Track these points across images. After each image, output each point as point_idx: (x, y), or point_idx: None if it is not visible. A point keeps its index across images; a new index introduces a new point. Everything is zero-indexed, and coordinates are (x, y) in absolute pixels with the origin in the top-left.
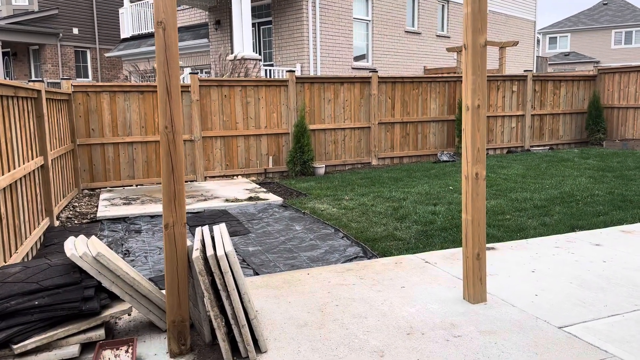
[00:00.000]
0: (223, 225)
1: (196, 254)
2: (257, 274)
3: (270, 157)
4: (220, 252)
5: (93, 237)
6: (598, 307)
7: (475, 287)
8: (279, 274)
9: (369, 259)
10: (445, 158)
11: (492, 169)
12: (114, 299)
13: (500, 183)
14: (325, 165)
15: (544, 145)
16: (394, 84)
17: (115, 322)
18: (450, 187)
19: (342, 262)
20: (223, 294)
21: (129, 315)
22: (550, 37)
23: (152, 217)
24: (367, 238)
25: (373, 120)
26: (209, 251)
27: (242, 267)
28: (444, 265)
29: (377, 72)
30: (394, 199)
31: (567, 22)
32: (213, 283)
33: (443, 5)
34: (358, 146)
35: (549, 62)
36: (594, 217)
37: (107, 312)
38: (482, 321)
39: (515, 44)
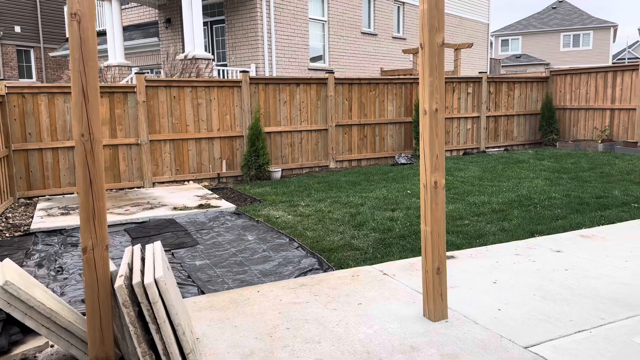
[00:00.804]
0: (158, 244)
1: (119, 281)
2: (202, 292)
3: (224, 161)
4: (148, 280)
5: (7, 260)
6: (564, 322)
7: (435, 304)
8: (226, 292)
9: (324, 271)
10: (403, 160)
11: (449, 172)
12: (29, 332)
13: (457, 186)
14: (282, 169)
15: (499, 147)
16: (350, 86)
17: (35, 357)
18: (408, 192)
19: (295, 276)
20: (152, 327)
21: (52, 347)
22: (502, 40)
23: None
24: (323, 248)
25: (330, 122)
26: (136, 278)
27: (186, 284)
28: (403, 277)
29: (333, 73)
30: (351, 204)
31: (519, 25)
32: (141, 314)
33: (399, 7)
34: (315, 149)
35: (501, 64)
36: (553, 221)
37: (19, 350)
38: (444, 342)
39: (470, 45)
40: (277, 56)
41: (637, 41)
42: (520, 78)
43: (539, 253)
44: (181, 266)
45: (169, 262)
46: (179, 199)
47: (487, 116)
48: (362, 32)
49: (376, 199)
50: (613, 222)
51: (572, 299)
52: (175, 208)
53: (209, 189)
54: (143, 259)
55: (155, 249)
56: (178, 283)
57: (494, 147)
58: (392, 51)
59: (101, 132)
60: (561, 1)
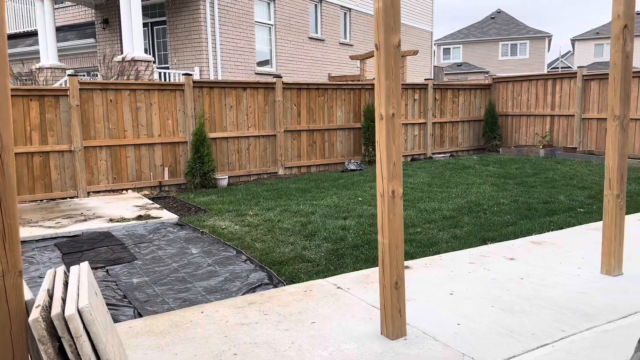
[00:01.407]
0: (84, 265)
1: (35, 313)
2: (139, 314)
3: (166, 169)
4: (70, 311)
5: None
6: (525, 336)
7: (394, 321)
8: (167, 314)
9: (275, 286)
10: (352, 167)
11: None
12: None
13: (408, 193)
14: (229, 176)
15: (445, 153)
16: (299, 91)
17: None
18: (360, 199)
19: (243, 293)
20: None
21: None
22: (444, 48)
23: None
24: (273, 261)
25: (279, 128)
26: (55, 308)
27: (121, 306)
28: (358, 290)
29: (281, 77)
30: (302, 213)
31: (460, 34)
32: (62, 350)
33: (345, 13)
34: (263, 155)
35: (444, 72)
36: (503, 228)
37: None
38: None
39: (416, 52)
40: (222, 59)
41: (569, 51)
42: (465, 85)
43: (493, 261)
44: (116, 285)
45: (103, 280)
46: (116, 209)
47: (433, 122)
48: (309, 37)
49: (327, 207)
50: (562, 228)
51: (531, 310)
52: (111, 220)
53: (149, 199)
54: (66, 283)
55: (81, 270)
56: (112, 304)
57: (440, 153)
58: (340, 57)
59: (12, 140)
60: (499, 12)
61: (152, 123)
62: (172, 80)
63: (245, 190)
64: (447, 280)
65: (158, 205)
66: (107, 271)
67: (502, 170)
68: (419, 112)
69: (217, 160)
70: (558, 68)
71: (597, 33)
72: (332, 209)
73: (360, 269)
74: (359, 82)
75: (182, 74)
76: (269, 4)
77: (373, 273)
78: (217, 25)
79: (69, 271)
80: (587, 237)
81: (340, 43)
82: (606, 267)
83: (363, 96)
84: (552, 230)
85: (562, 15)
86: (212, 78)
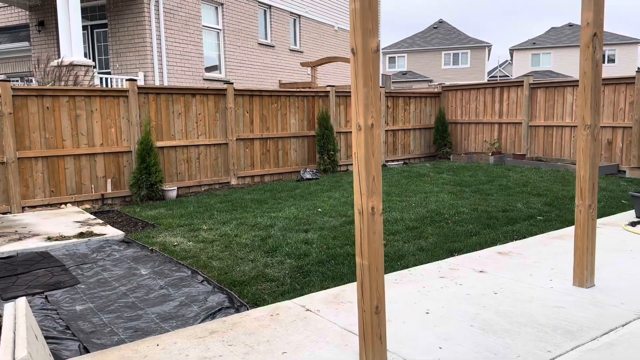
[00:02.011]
0: (21, 302)
1: None
2: (85, 349)
3: (109, 180)
4: None
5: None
6: (512, 359)
7: (374, 348)
8: (117, 348)
9: (237, 310)
10: (308, 175)
11: None
12: None
13: None
14: (178, 187)
15: (399, 160)
16: (251, 97)
17: None
18: (319, 210)
19: (202, 319)
20: None
21: None
22: (389, 57)
23: None
24: (234, 281)
25: (231, 136)
26: None
27: (64, 339)
28: (329, 313)
29: (232, 84)
30: (260, 226)
31: (404, 43)
32: None
33: (295, 20)
34: (215, 164)
35: (391, 80)
36: (468, 238)
37: None
38: None
39: None
40: (168, 64)
41: (506, 60)
42: (415, 93)
43: (463, 275)
44: (57, 314)
45: (42, 309)
46: (55, 226)
47: (386, 130)
48: (259, 43)
49: (286, 219)
50: (525, 237)
51: (512, 329)
52: (49, 238)
53: (91, 213)
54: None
55: (17, 309)
56: (53, 337)
57: (393, 161)
58: (290, 64)
59: None
60: (441, 22)
61: (93, 132)
62: (114, 86)
63: (196, 202)
64: (421, 298)
65: (101, 221)
66: (46, 297)
67: (456, 178)
68: None
69: (165, 170)
70: (497, 77)
71: (534, 43)
72: (292, 221)
73: (329, 287)
74: (313, 90)
75: (126, 80)
76: (216, 8)
77: (342, 292)
78: (162, 29)
79: (1, 308)
80: (551, 246)
81: (290, 50)
82: (579, 279)
83: (317, 103)
84: (516, 240)
85: (500, 25)
86: (157, 84)
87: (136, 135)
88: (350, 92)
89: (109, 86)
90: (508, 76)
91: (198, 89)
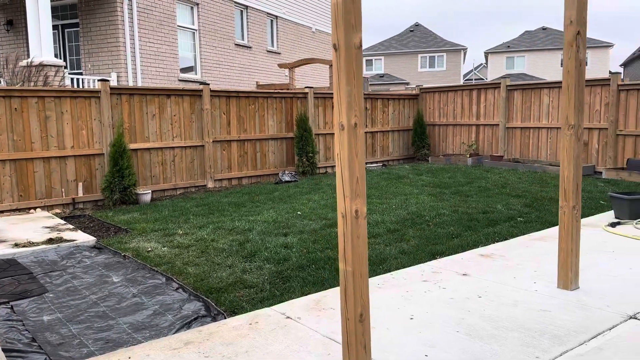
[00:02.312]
0: None
1: None
2: None
3: (81, 184)
4: None
5: None
6: None
7: (359, 358)
8: None
9: (214, 319)
10: (287, 178)
11: (335, 189)
12: None
13: None
14: (152, 191)
15: (377, 162)
16: (228, 99)
17: None
18: (299, 213)
19: (177, 329)
20: None
21: None
22: (367, 60)
23: None
24: (210, 288)
25: (207, 138)
26: None
27: (29, 352)
28: (310, 320)
29: (208, 84)
30: (238, 230)
31: (381, 46)
32: None
33: (272, 21)
34: (191, 167)
35: (369, 83)
36: (449, 240)
37: None
38: None
39: None
40: (142, 65)
41: (481, 64)
42: (394, 95)
43: (446, 278)
44: (23, 325)
45: (7, 320)
46: (23, 231)
47: (365, 132)
48: (235, 44)
49: (265, 223)
50: (506, 239)
51: (498, 334)
52: (17, 244)
53: (61, 218)
54: None
55: None
56: (17, 351)
57: (372, 163)
58: (268, 65)
59: None
60: (417, 25)
61: (63, 134)
62: (86, 87)
63: (171, 206)
64: (404, 302)
65: (72, 226)
66: (11, 308)
67: (436, 180)
68: None
69: (138, 173)
70: (472, 79)
71: (509, 47)
72: (271, 225)
73: (309, 293)
74: (291, 91)
75: (98, 80)
76: (192, 8)
77: (324, 298)
78: (136, 29)
79: None
80: (533, 248)
81: (267, 51)
82: (563, 281)
83: (295, 105)
84: (497, 242)
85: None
86: (131, 84)
87: (108, 137)
88: (329, 93)
89: (81, 87)
90: (483, 79)
91: (173, 89)
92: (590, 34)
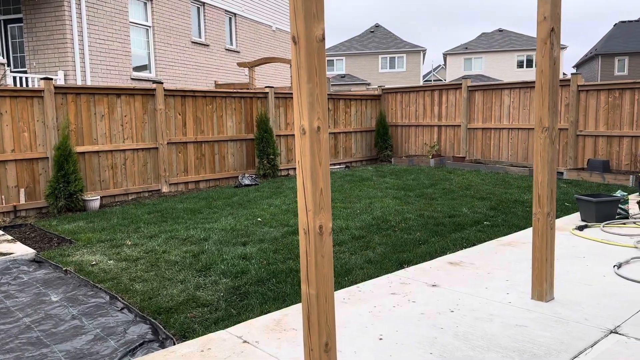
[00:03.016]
0: None
1: None
2: None
3: (22, 190)
4: None
5: None
6: None
7: None
8: None
9: (161, 344)
10: (247, 182)
11: (295, 192)
12: None
13: None
14: (101, 197)
15: (340, 164)
16: (184, 98)
17: None
18: (259, 219)
19: (120, 358)
20: None
21: None
22: (328, 60)
23: None
24: (159, 308)
25: (161, 140)
26: None
27: None
28: (270, 344)
29: (162, 83)
30: (193, 239)
31: (342, 46)
32: None
33: (230, 18)
34: (144, 171)
35: (331, 83)
36: (417, 247)
37: None
38: None
39: None
40: (92, 63)
41: (439, 65)
42: (356, 95)
43: (415, 290)
44: None
45: None
46: None
47: (328, 133)
48: (192, 42)
49: (222, 231)
50: (474, 244)
51: (475, 356)
52: None
53: (0, 228)
54: None
55: None
56: None
57: (335, 164)
58: (227, 64)
59: None
60: (378, 26)
61: (3, 136)
62: (31, 86)
63: (121, 213)
64: (373, 320)
65: (10, 237)
66: None
67: (399, 182)
68: None
69: (86, 178)
70: (431, 80)
71: (466, 48)
72: (229, 233)
73: (269, 310)
74: (251, 91)
75: (40, 79)
76: (145, 3)
77: (285, 317)
78: (85, 25)
79: None
80: (502, 254)
81: (226, 49)
82: (538, 292)
83: (255, 105)
84: (465, 248)
85: (435, 31)
86: (79, 83)
87: (53, 140)
88: (290, 93)
89: (25, 86)
90: (441, 80)
91: (123, 88)
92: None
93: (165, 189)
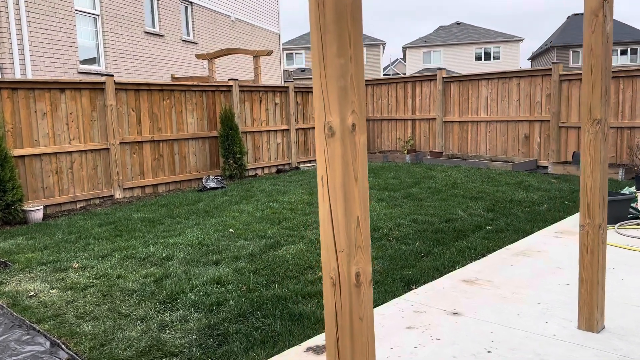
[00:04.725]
0: None
1: None
2: None
3: None
4: None
5: None
6: None
7: None
8: None
9: None
10: (212, 184)
11: (270, 195)
12: None
13: (288, 216)
14: (45, 206)
15: (311, 162)
16: (138, 93)
17: None
18: (231, 230)
19: None
20: None
21: None
22: (287, 54)
23: None
24: (114, 358)
25: (113, 140)
26: None
27: None
28: None
29: (112, 76)
30: (153, 259)
31: (301, 39)
32: None
33: (186, 7)
34: (93, 175)
35: (293, 77)
36: (419, 261)
37: None
38: None
39: (270, 53)
40: (33, 55)
41: (397, 59)
42: None
43: (435, 321)
44: None
45: None
46: None
47: (296, 129)
48: (145, 32)
49: (189, 247)
50: (484, 255)
51: None
52: None
53: None
54: None
55: None
56: None
57: (305, 162)
58: (184, 56)
59: None
60: None
61: None
62: None
63: (68, 226)
64: None
65: None
66: None
67: (380, 181)
68: (281, 117)
69: (27, 185)
70: (390, 74)
71: (425, 41)
72: (196, 249)
73: (258, 359)
74: (213, 84)
75: None
76: None
77: None
78: (23, 12)
79: None
80: (520, 267)
81: (183, 40)
82: (587, 321)
83: (218, 99)
84: (475, 259)
85: (394, 25)
86: (19, 77)
87: None
88: (255, 87)
89: None
90: (399, 74)
91: (68, 82)
92: (500, 28)
93: (118, 194)
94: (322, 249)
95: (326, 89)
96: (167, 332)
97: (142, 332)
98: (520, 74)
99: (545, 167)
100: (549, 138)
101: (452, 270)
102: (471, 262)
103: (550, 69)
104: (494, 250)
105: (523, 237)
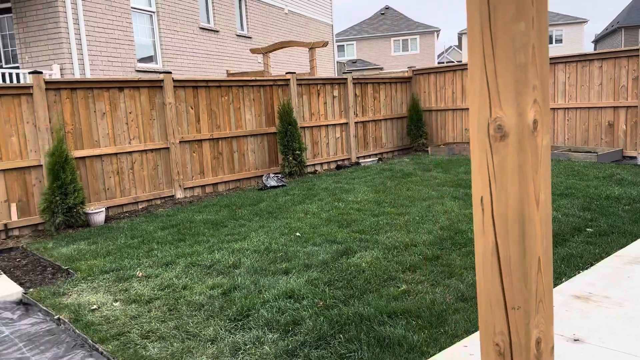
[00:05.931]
0: None
1: None
2: None
3: (14, 205)
4: None
5: None
6: None
7: None
8: None
9: None
10: (273, 183)
11: (334, 194)
12: None
13: (356, 218)
14: (107, 208)
15: (371, 156)
16: (196, 90)
17: None
18: (297, 234)
19: None
20: None
21: None
22: (338, 45)
23: None
24: None
25: (172, 138)
26: None
27: None
28: None
29: (170, 73)
30: (219, 267)
31: (352, 30)
32: None
33: (240, 1)
34: (154, 175)
35: (346, 68)
36: None
37: None
38: None
39: (326, 44)
40: (91, 54)
41: (451, 46)
42: (385, 79)
43: (556, 351)
44: None
45: None
46: None
47: (355, 122)
48: (200, 28)
49: (255, 253)
50: (591, 264)
51: None
52: None
53: None
54: None
55: None
56: None
57: (366, 157)
58: (238, 51)
59: None
60: (388, 8)
61: None
62: (22, 82)
63: (130, 229)
64: None
65: None
66: None
67: (450, 177)
68: (339, 110)
69: (88, 187)
70: (443, 62)
71: None
72: (263, 255)
73: None
74: (269, 78)
75: (29, 73)
76: None
77: None
78: (80, 12)
79: None
80: (638, 278)
81: (237, 35)
82: None
83: (275, 94)
84: (582, 270)
85: (449, 9)
86: (78, 77)
87: (46, 145)
88: (313, 80)
89: (17, 83)
90: (453, 61)
91: (126, 80)
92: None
93: (179, 194)
94: (481, 303)
95: (493, 69)
96: (241, 356)
97: (213, 358)
98: (602, 56)
99: (634, 158)
100: (637, 125)
101: (559, 284)
102: (579, 272)
103: (638, 49)
104: (602, 258)
105: (632, 240)
